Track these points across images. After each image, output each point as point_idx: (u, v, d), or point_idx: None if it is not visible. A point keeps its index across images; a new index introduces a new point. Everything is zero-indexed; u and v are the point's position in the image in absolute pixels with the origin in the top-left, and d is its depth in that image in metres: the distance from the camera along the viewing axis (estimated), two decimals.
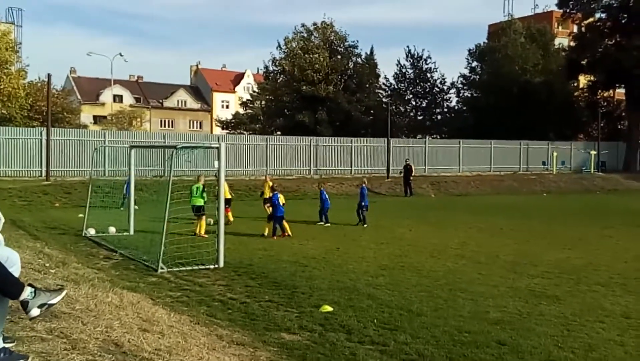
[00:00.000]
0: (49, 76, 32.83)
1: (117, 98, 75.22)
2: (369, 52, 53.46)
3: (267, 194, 20.31)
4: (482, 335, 7.69)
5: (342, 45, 50.87)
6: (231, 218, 18.74)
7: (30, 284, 3.96)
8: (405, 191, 33.60)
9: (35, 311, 3.88)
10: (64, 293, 4.14)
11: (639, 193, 37.91)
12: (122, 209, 21.07)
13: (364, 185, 21.15)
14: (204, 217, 16.83)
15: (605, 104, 57.58)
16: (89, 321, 5.29)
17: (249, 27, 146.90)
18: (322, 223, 19.85)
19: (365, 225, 19.54)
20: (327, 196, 20.46)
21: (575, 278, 11.51)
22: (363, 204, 20.09)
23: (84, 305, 6.01)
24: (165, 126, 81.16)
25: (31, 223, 18.59)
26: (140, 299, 7.97)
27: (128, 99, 79.33)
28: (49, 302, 3.96)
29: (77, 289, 6.97)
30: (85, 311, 5.76)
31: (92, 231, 16.29)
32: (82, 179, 29.24)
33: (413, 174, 34.34)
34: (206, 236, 15.62)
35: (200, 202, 16.78)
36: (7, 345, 4.03)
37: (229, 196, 18.31)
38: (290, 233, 16.88)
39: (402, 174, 34.87)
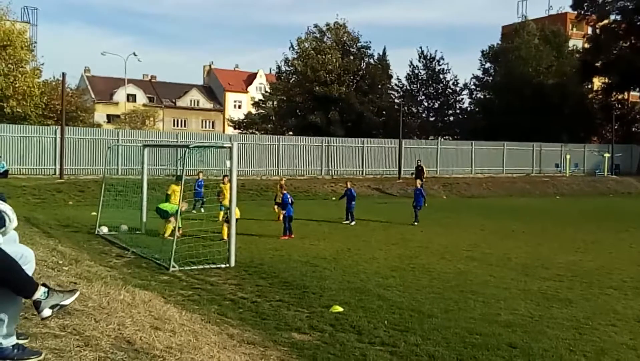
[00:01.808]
0: (63, 75, 33.29)
1: (131, 97, 75.66)
2: (381, 53, 53.51)
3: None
4: (493, 337, 7.66)
5: (354, 46, 50.84)
6: (167, 233, 15.36)
7: (44, 284, 3.97)
8: None
9: (47, 312, 3.90)
10: (76, 295, 4.14)
11: None
12: (194, 211, 19.80)
13: (419, 187, 21.68)
14: (171, 219, 15.45)
15: (619, 106, 57.13)
16: (101, 318, 5.33)
17: (261, 27, 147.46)
18: (348, 222, 19.97)
19: (416, 223, 20.32)
20: (354, 195, 20.77)
21: (587, 281, 11.44)
22: (416, 204, 20.90)
23: (96, 303, 6.06)
24: (177, 126, 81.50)
25: (45, 220, 18.75)
26: (152, 297, 8.00)
27: (141, 98, 79.73)
28: (62, 303, 3.96)
29: (89, 287, 7.02)
30: (97, 308, 5.80)
31: (104, 229, 16.38)
32: (95, 177, 29.47)
33: (425, 176, 34.22)
34: (170, 238, 14.16)
35: (168, 207, 15.63)
36: (20, 341, 4.07)
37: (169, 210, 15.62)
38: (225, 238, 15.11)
39: (413, 175, 34.81)
